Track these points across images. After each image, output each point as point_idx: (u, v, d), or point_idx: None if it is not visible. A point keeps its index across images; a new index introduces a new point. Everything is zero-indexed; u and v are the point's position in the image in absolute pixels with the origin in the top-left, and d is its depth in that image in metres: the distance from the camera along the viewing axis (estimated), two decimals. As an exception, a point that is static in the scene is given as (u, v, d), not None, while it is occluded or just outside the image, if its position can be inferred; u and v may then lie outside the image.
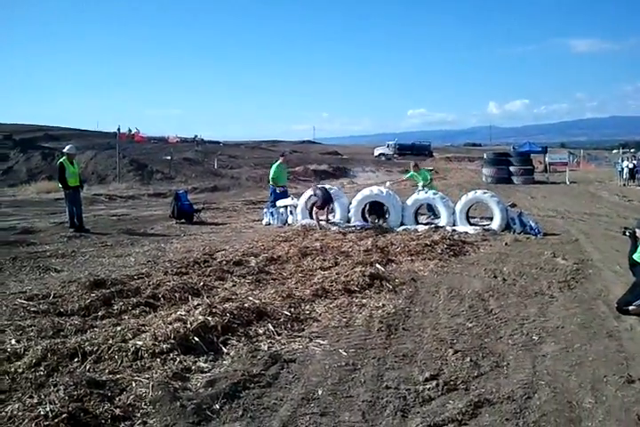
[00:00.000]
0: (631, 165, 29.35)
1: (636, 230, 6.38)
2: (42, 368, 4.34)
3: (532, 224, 12.09)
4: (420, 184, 14.33)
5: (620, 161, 32.30)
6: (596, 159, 55.59)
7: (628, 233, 6.50)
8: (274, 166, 14.74)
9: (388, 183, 14.13)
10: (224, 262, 8.41)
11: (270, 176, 14.74)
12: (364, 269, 7.67)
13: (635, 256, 6.16)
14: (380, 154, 63.35)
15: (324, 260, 8.60)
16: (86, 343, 4.76)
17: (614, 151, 59.03)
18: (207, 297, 6.22)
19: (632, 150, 49.54)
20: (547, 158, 37.17)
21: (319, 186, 13.66)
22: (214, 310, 5.53)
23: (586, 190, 26.71)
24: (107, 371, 4.37)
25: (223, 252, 9.43)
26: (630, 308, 6.05)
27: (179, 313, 5.46)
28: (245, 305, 5.85)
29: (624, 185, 28.91)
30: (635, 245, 6.30)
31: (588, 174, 38.73)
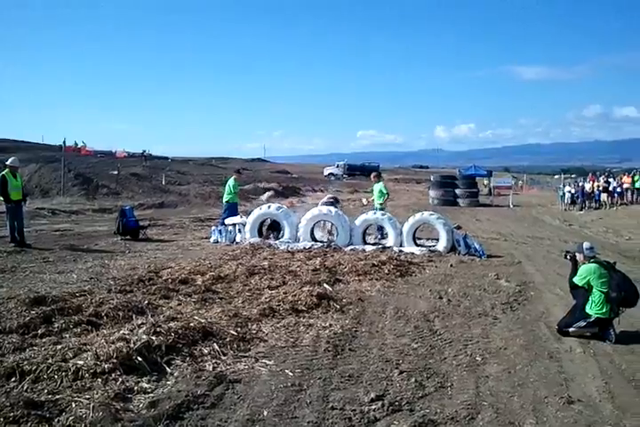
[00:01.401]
0: (572, 191, 30.32)
1: (576, 254, 6.58)
2: (-24, 389, 4.17)
3: (477, 246, 12.35)
4: (376, 201, 14.40)
5: (561, 186, 33.35)
6: (539, 184, 57.25)
7: (568, 257, 6.70)
8: (231, 183, 14.66)
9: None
10: (170, 280, 8.29)
11: (226, 192, 14.64)
12: (311, 288, 7.68)
13: (575, 279, 6.35)
14: (329, 173, 63.83)
15: (272, 279, 8.57)
16: (25, 362, 4.61)
17: (556, 176, 60.86)
18: (152, 316, 6.09)
19: (573, 176, 51.23)
20: (491, 182, 38.11)
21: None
22: (159, 330, 5.44)
23: (529, 214, 27.44)
24: (45, 391, 4.23)
25: (169, 270, 9.27)
26: (570, 330, 6.22)
27: (122, 332, 5.34)
28: (191, 324, 5.76)
29: (565, 210, 29.81)
30: (575, 269, 6.50)
31: (531, 198, 39.80)
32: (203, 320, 6.00)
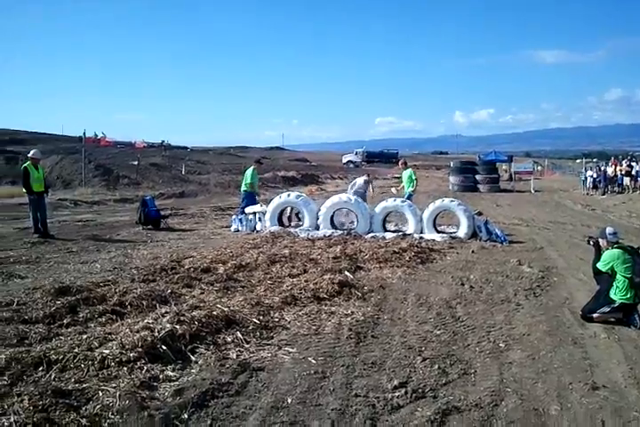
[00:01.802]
0: (595, 175, 29.96)
1: (599, 240, 6.51)
2: (5, 378, 4.23)
3: (498, 232, 12.28)
4: (406, 188, 14.46)
5: (583, 171, 32.97)
6: (560, 168, 56.69)
7: (591, 242, 6.63)
8: (250, 172, 14.67)
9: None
10: (192, 269, 8.34)
11: (246, 182, 14.65)
12: (332, 276, 7.69)
13: (598, 265, 6.28)
14: (348, 161, 63.74)
15: (293, 267, 8.58)
16: (51, 352, 4.67)
17: (578, 161, 60.19)
18: (175, 305, 6.14)
19: (595, 160, 50.62)
20: (512, 167, 37.78)
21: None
22: (182, 318, 5.47)
23: (550, 199, 27.18)
24: (72, 380, 4.29)
25: (191, 259, 9.34)
26: (594, 315, 6.17)
27: (146, 321, 5.39)
28: (214, 313, 5.80)
29: (587, 194, 29.49)
30: (598, 255, 6.43)
31: (553, 183, 39.44)
32: (225, 309, 6.03)
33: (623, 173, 27.72)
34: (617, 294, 6.12)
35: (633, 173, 27.35)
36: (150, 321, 5.39)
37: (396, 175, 44.77)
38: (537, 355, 5.15)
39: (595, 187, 29.66)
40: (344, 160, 64.47)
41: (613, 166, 29.18)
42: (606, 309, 6.14)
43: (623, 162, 28.79)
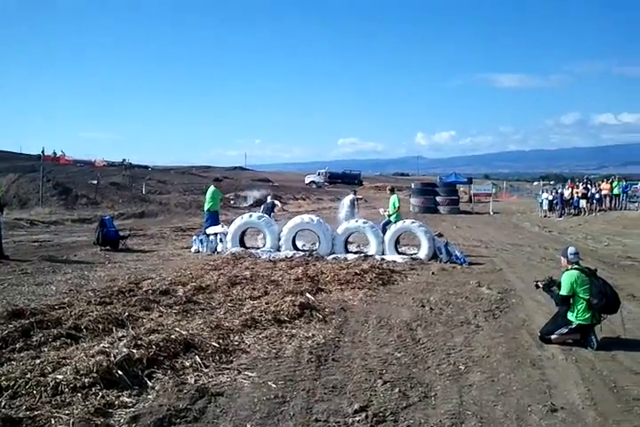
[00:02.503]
0: (551, 197, 30.60)
1: (561, 258, 6.62)
2: (-48, 406, 4.08)
3: (458, 254, 12.42)
4: (387, 212, 14.49)
5: (540, 193, 33.65)
6: (519, 191, 57.74)
7: (541, 285, 6.73)
8: (211, 191, 14.60)
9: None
10: (150, 292, 8.18)
11: (211, 201, 14.57)
12: (294, 298, 7.64)
13: (562, 293, 6.30)
14: (310, 182, 63.91)
15: (254, 289, 8.53)
16: (2, 378, 4.52)
17: (535, 183, 61.46)
18: (132, 328, 6.02)
19: (552, 183, 51.74)
20: (472, 189, 38.40)
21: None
22: (139, 342, 5.36)
23: (509, 221, 27.66)
24: (24, 407, 4.14)
25: (149, 280, 9.19)
26: (553, 337, 6.25)
27: (102, 345, 5.27)
28: (172, 337, 5.69)
29: (545, 216, 30.09)
30: (553, 294, 6.51)
31: (511, 205, 40.16)
32: (184, 332, 5.93)
33: (579, 195, 28.38)
34: (575, 315, 6.21)
35: (589, 195, 28.01)
36: (106, 345, 5.27)
37: (359, 196, 45.00)
38: (496, 377, 5.18)
39: (552, 209, 30.27)
40: (307, 181, 64.63)
41: (570, 189, 29.86)
42: (564, 330, 6.22)
43: (579, 185, 29.49)
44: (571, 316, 6.25)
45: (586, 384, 5.00)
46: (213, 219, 14.45)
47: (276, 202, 19.38)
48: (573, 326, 6.20)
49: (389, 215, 14.31)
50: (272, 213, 17.25)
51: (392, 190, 15.36)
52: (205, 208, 14.89)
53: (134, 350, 5.14)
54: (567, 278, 6.26)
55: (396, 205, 14.43)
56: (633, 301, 8.52)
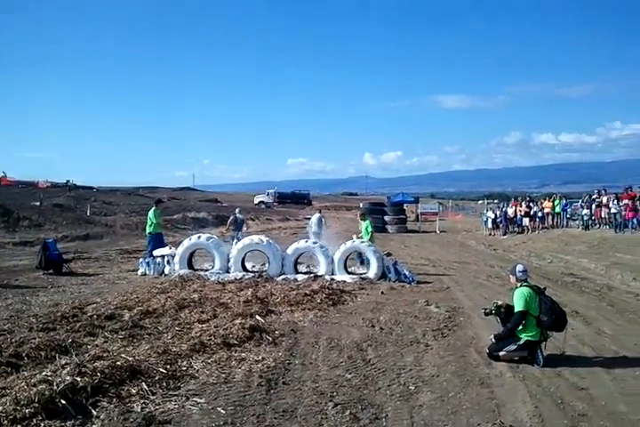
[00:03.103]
0: (494, 216, 31.25)
1: (510, 276, 6.74)
2: None
3: (407, 273, 12.55)
4: (362, 236, 14.32)
5: (485, 211, 34.38)
6: (464, 209, 58.89)
7: (490, 311, 6.82)
8: (151, 213, 14.38)
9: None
10: (95, 317, 7.97)
11: (150, 223, 14.34)
12: (243, 321, 7.57)
13: (517, 309, 6.35)
14: (260, 202, 63.74)
15: (203, 312, 8.41)
16: None
17: (480, 202, 62.82)
18: (76, 355, 5.83)
19: (496, 201, 52.93)
20: (418, 208, 38.97)
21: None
22: (84, 370, 5.20)
23: (455, 239, 28.14)
24: (-41, 443, 3.97)
25: (94, 305, 8.96)
26: (501, 354, 6.33)
27: (44, 374, 5.09)
28: (118, 363, 5.54)
29: (490, 234, 30.71)
30: (505, 319, 6.61)
31: (457, 224, 40.90)
32: (130, 358, 5.79)
33: (522, 213, 29.06)
34: (523, 332, 6.32)
35: (531, 213, 28.72)
36: (49, 373, 5.10)
37: (308, 216, 45.05)
38: (446, 396, 5.21)
39: (496, 227, 30.91)
40: (256, 201, 64.45)
41: (513, 207, 30.57)
42: (512, 347, 6.31)
43: (522, 203, 30.23)
44: (519, 332, 6.35)
45: (533, 401, 5.07)
46: (156, 241, 14.19)
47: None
48: (521, 342, 6.29)
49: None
50: (240, 232, 17.99)
51: (363, 215, 15.33)
52: (147, 231, 14.65)
53: (78, 378, 4.98)
54: (520, 295, 6.36)
55: (370, 230, 14.42)
56: (577, 317, 8.73)
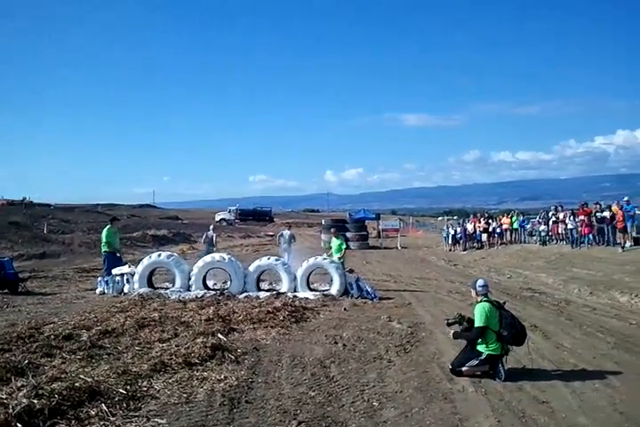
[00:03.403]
0: (454, 232, 31.62)
1: (471, 290, 6.81)
2: None
3: (369, 289, 12.59)
4: (335, 255, 14.16)
5: (445, 228, 34.78)
6: (424, 226, 59.42)
7: (452, 321, 6.89)
8: (105, 231, 14.13)
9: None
10: (52, 337, 7.77)
11: (103, 241, 14.09)
12: (205, 339, 7.49)
13: (477, 324, 6.44)
14: (221, 219, 63.37)
15: (163, 331, 8.29)
16: None
17: (439, 218, 63.54)
18: (33, 377, 5.68)
19: (455, 217, 53.61)
20: (380, 225, 39.25)
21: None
22: (41, 392, 5.07)
23: (415, 255, 28.39)
24: None
25: (51, 325, 8.74)
26: (463, 369, 6.39)
27: (-1, 397, 4.94)
28: (76, 384, 5.41)
29: (450, 250, 31.04)
30: (465, 329, 6.69)
31: (417, 240, 41.26)
32: (89, 379, 5.65)
33: (481, 229, 29.47)
34: (485, 346, 6.39)
35: (490, 229, 29.14)
36: (4, 396, 4.98)
37: (270, 233, 44.97)
38: (410, 412, 5.22)
39: (456, 243, 31.26)
40: (217, 218, 64.03)
41: (473, 223, 30.99)
42: (474, 362, 6.37)
43: (481, 219, 30.67)
44: (481, 347, 6.42)
45: (496, 415, 5.12)
46: (110, 260, 13.91)
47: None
48: (483, 357, 6.36)
49: (339, 258, 14.09)
50: (215, 248, 18.76)
51: (337, 233, 15.24)
52: (102, 249, 14.37)
53: (35, 401, 4.85)
54: (480, 310, 6.44)
55: (343, 247, 14.37)
56: (536, 331, 8.86)
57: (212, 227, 21.03)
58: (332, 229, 15.35)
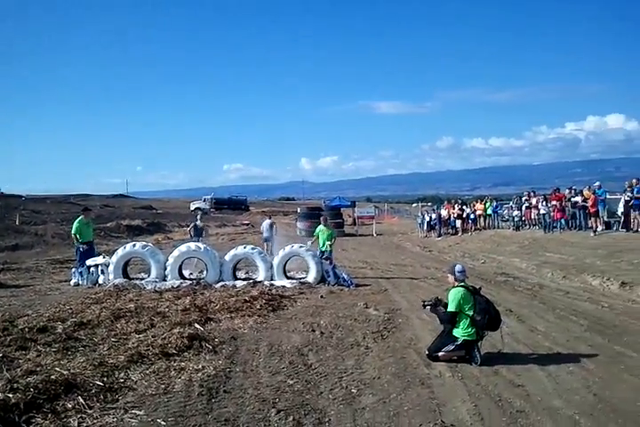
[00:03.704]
0: (428, 218, 31.82)
1: (448, 275, 6.85)
2: None
3: (345, 276, 12.64)
4: (327, 243, 13.87)
5: (420, 214, 34.98)
6: (399, 212, 59.71)
7: (427, 305, 6.94)
8: (75, 223, 13.89)
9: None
10: (27, 330, 7.66)
11: (72, 233, 13.86)
12: (182, 329, 7.46)
13: (449, 309, 6.51)
14: (196, 208, 62.95)
15: (139, 322, 8.24)
16: None
17: (414, 205, 63.82)
18: (7, 370, 5.62)
19: (429, 204, 53.89)
20: (355, 212, 39.35)
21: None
22: (16, 386, 5.02)
23: (391, 242, 28.53)
24: None
25: (26, 318, 8.64)
26: (440, 354, 6.45)
27: (-28, 392, 4.87)
28: (52, 377, 5.36)
29: (425, 236, 31.23)
30: (439, 313, 6.74)
31: (393, 227, 41.48)
32: (65, 372, 5.61)
33: (455, 215, 29.69)
34: (460, 331, 6.45)
35: (464, 215, 29.37)
36: (-23, 391, 4.88)
37: (245, 222, 44.84)
38: (388, 398, 5.27)
39: (431, 229, 31.47)
40: (192, 207, 63.59)
41: (447, 210, 31.20)
42: (451, 347, 6.44)
43: (455, 205, 30.88)
44: (456, 332, 6.48)
45: (473, 400, 5.18)
46: (82, 251, 13.66)
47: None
48: (459, 342, 6.43)
49: (330, 245, 13.91)
50: (201, 238, 17.83)
51: (326, 221, 14.75)
52: (74, 241, 14.11)
53: (10, 395, 4.80)
54: (454, 296, 6.50)
55: (334, 235, 14.22)
56: (510, 315, 8.97)
57: (198, 217, 20.05)
58: (322, 217, 14.94)
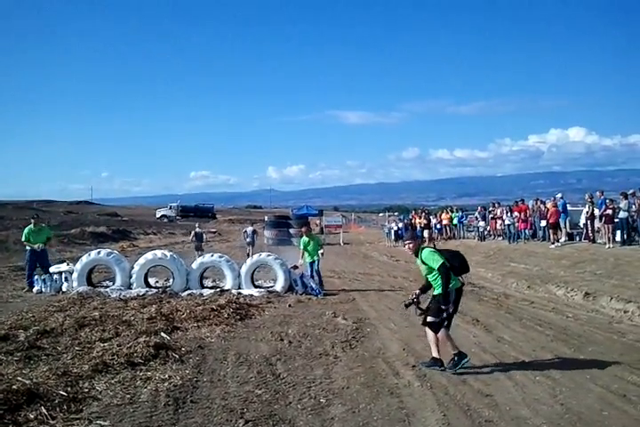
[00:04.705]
0: (395, 228, 32.02)
1: (411, 242, 6.75)
2: None
3: (313, 285, 12.62)
4: (320, 251, 13.67)
5: (387, 224, 35.19)
6: (366, 222, 60.02)
7: (408, 303, 6.90)
8: (25, 230, 13.65)
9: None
10: (-13, 338, 7.49)
11: (23, 239, 13.64)
12: (148, 338, 7.35)
13: (438, 264, 6.43)
14: (162, 215, 62.39)
15: (104, 330, 8.08)
16: None
17: (381, 214, 64.25)
18: (-34, 381, 5.46)
19: (396, 214, 54.29)
20: (323, 221, 39.41)
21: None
22: (-25, 396, 4.87)
23: (358, 251, 28.60)
24: None
25: (-14, 326, 8.42)
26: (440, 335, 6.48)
27: None
28: (13, 387, 5.22)
29: (393, 246, 31.38)
30: (423, 307, 6.74)
31: (360, 236, 41.66)
32: (27, 381, 5.46)
33: (422, 225, 29.93)
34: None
35: (431, 225, 29.62)
36: None
37: (212, 230, 44.50)
38: (357, 408, 5.24)
39: (398, 239, 31.63)
40: (158, 214, 63.07)
41: (414, 219, 31.42)
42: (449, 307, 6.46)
43: (422, 215, 31.14)
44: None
45: (442, 410, 5.18)
46: (31, 257, 13.43)
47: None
48: (453, 296, 6.49)
49: (322, 254, 13.76)
50: (202, 243, 22.39)
51: (308, 231, 14.36)
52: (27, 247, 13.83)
53: (-31, 406, 4.65)
54: (429, 253, 6.53)
55: (320, 243, 14.05)
56: (477, 325, 9.05)
57: (197, 224, 24.67)
58: (304, 228, 14.49)
